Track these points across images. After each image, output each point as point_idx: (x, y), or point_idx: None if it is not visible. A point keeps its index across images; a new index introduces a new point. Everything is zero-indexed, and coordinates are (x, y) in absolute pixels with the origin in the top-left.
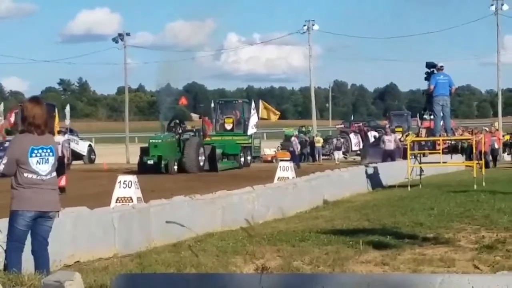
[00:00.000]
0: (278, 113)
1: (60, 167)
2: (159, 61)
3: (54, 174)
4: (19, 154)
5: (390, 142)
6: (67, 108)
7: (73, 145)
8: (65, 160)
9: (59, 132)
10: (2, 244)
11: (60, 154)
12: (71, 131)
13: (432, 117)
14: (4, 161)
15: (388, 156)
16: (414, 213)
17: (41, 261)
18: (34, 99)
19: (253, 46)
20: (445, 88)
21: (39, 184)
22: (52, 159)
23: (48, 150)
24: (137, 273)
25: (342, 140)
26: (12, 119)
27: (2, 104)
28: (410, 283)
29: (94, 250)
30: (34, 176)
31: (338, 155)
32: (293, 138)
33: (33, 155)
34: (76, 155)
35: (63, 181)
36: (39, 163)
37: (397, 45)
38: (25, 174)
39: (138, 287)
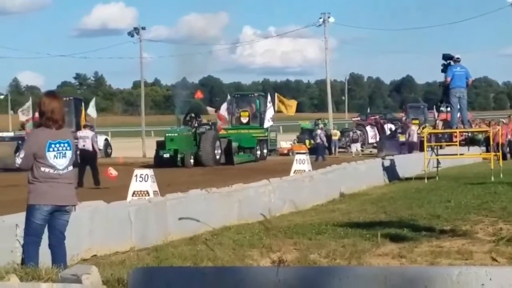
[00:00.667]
0: (293, 105)
1: (92, 161)
2: (174, 55)
3: (71, 168)
4: (36, 149)
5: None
6: (92, 103)
7: None
8: (96, 155)
9: (85, 127)
10: (19, 239)
11: (90, 149)
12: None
13: (449, 109)
14: (22, 155)
15: (412, 148)
16: (431, 206)
17: (58, 255)
18: (51, 94)
19: (268, 39)
20: (461, 80)
21: (56, 178)
22: (69, 153)
23: (66, 145)
24: (153, 267)
25: (358, 132)
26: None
27: (30, 99)
28: (428, 275)
29: (111, 244)
30: (51, 171)
31: (356, 147)
32: (319, 131)
33: (51, 149)
34: None
35: (112, 171)
36: (57, 157)
37: (413, 37)
38: (42, 169)
39: (154, 280)
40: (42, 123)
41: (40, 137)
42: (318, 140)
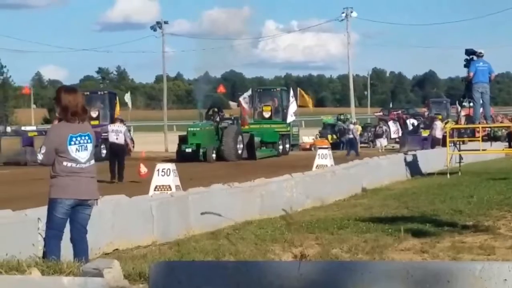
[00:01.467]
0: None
1: (121, 156)
2: (196, 49)
3: (93, 161)
4: (58, 143)
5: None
6: (128, 96)
7: None
8: (127, 149)
9: (116, 120)
10: (41, 232)
11: (122, 142)
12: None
13: (471, 104)
14: (43, 150)
15: (434, 144)
16: (453, 201)
17: (80, 249)
18: (71, 89)
19: (291, 34)
20: (484, 75)
21: (78, 172)
22: (90, 146)
23: (86, 137)
24: (175, 261)
25: (384, 128)
26: None
27: None
28: (450, 270)
29: (133, 238)
30: (74, 164)
31: (380, 142)
32: (352, 126)
33: (72, 143)
34: None
35: (142, 169)
36: (78, 151)
37: (436, 32)
38: (64, 163)
39: (176, 274)
40: (67, 118)
41: (62, 131)
42: (351, 135)
